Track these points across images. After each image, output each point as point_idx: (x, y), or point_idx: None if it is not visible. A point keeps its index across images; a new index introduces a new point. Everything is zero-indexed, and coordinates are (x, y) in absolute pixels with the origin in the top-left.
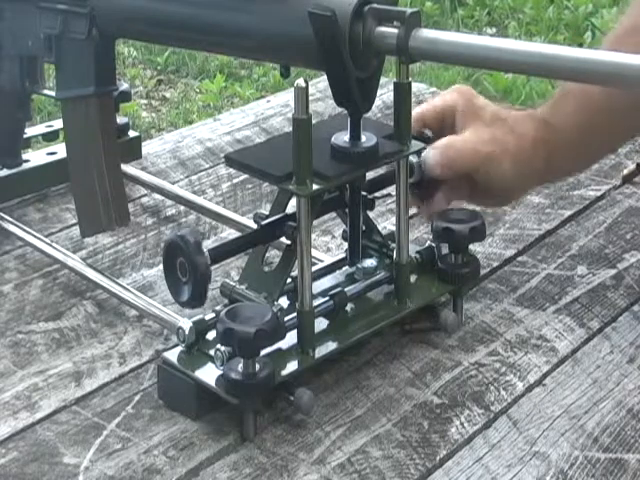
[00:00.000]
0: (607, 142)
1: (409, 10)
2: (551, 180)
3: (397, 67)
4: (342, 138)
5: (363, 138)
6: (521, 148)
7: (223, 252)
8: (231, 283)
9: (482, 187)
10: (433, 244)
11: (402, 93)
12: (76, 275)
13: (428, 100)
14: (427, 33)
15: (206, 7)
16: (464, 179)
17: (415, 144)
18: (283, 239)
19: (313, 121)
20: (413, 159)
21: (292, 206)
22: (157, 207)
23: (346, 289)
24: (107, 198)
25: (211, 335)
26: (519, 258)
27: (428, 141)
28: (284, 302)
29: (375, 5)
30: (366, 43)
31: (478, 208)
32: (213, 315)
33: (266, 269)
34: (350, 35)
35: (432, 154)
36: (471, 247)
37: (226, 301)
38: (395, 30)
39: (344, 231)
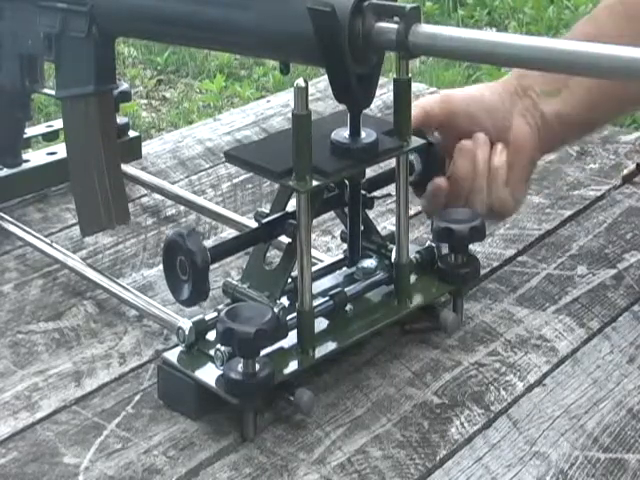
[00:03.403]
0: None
1: (408, 5)
2: (551, 126)
3: (397, 63)
4: (342, 134)
5: (363, 134)
6: (495, 86)
7: (223, 250)
8: (233, 282)
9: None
10: (433, 244)
11: (402, 89)
12: (76, 275)
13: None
14: (427, 28)
15: (205, 4)
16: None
17: (415, 140)
18: (283, 238)
19: (313, 118)
20: (412, 157)
21: (292, 205)
22: (157, 207)
23: (346, 289)
24: (107, 197)
25: (211, 335)
26: (519, 258)
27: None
28: (284, 302)
29: (374, 0)
30: (366, 39)
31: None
32: (213, 315)
33: (267, 268)
34: (350, 31)
35: (430, 97)
36: (471, 247)
37: (228, 300)
38: (395, 25)
39: (342, 232)
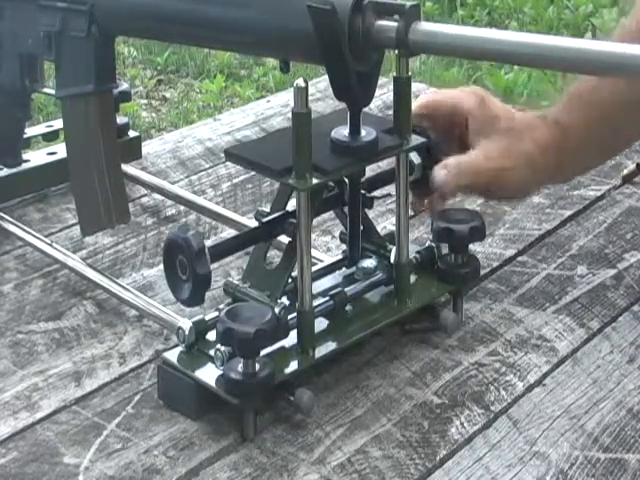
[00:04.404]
0: (622, 135)
1: (408, 3)
2: (564, 180)
3: (397, 61)
4: (342, 132)
5: (363, 132)
6: (533, 156)
7: (223, 250)
8: (234, 282)
9: (495, 196)
10: (433, 244)
11: (402, 87)
12: (76, 275)
13: (442, 91)
14: (426, 26)
15: (205, 3)
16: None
17: (415, 138)
18: (283, 238)
19: (312, 117)
20: (413, 157)
21: (293, 205)
22: (157, 207)
23: (346, 289)
24: (107, 197)
25: (211, 335)
26: (519, 258)
27: (431, 144)
28: (285, 302)
29: None
30: (365, 36)
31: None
32: (213, 315)
33: (267, 268)
34: (349, 29)
35: (441, 174)
36: (471, 247)
37: (228, 300)
38: (394, 23)
39: (342, 233)
